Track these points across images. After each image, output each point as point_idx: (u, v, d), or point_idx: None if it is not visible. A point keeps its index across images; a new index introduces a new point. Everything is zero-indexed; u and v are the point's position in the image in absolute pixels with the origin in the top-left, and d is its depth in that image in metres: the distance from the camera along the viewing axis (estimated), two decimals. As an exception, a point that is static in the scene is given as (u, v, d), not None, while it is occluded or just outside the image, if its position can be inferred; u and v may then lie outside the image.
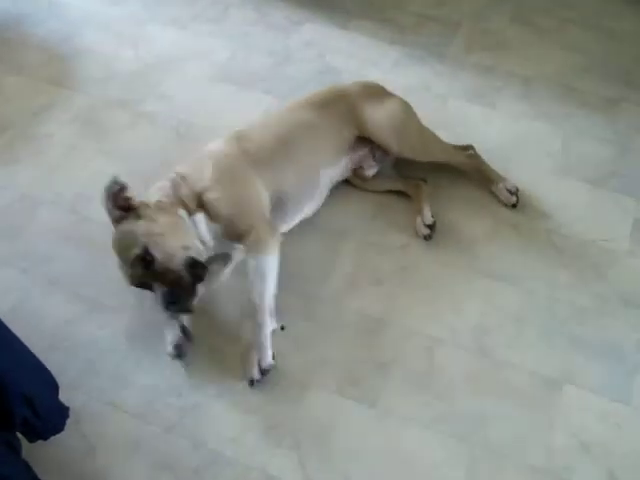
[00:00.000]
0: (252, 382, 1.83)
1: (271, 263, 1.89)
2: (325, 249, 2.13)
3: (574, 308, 2.00)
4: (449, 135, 2.35)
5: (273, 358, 1.84)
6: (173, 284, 1.72)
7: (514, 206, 2.21)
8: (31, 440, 1.56)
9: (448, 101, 2.63)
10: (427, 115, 2.32)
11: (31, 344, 1.54)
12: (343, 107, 2.18)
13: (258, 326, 1.85)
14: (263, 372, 1.83)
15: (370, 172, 2.28)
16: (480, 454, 1.73)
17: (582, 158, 2.41)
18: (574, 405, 1.81)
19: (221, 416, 1.79)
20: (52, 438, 1.58)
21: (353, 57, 2.79)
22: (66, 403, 1.61)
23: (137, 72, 2.77)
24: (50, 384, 1.54)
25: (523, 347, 1.92)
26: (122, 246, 1.78)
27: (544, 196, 2.28)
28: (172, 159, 2.37)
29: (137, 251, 1.72)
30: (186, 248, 1.78)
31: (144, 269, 1.72)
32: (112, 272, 2.05)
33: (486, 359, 1.90)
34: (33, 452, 1.62)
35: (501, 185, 2.24)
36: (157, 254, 1.72)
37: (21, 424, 1.46)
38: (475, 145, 2.35)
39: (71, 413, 1.62)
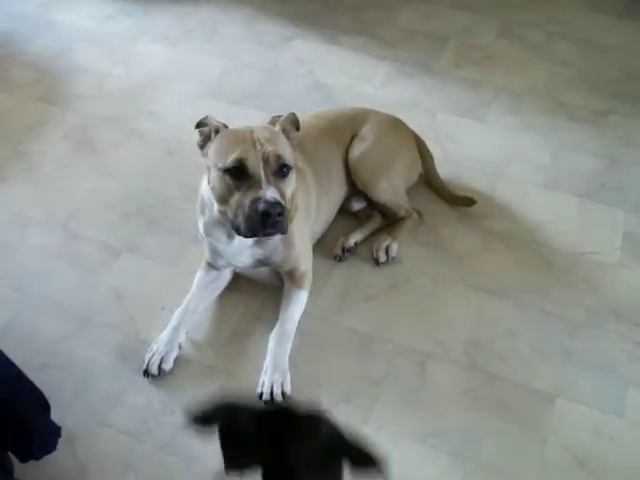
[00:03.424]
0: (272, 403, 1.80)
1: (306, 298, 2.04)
2: (315, 266, 2.13)
3: (565, 321, 2.01)
4: (439, 149, 2.37)
5: None
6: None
7: (376, 263, 2.16)
8: (23, 460, 1.55)
9: (437, 115, 2.65)
10: (417, 130, 2.34)
11: (22, 362, 1.53)
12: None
13: (285, 351, 1.90)
14: (284, 395, 1.83)
15: (357, 206, 2.31)
16: (473, 469, 1.72)
17: (571, 171, 2.42)
18: (567, 419, 1.81)
19: (214, 434, 1.78)
20: (44, 458, 1.57)
21: (343, 73, 2.81)
22: (58, 422, 1.60)
23: (128, 89, 2.78)
24: (42, 404, 1.54)
25: (515, 361, 1.93)
26: None
27: (534, 209, 2.29)
28: (163, 177, 2.39)
29: None
30: None
31: None
32: (104, 290, 2.07)
33: (478, 374, 1.90)
34: (25, 472, 1.60)
35: (390, 242, 2.18)
36: None
37: (13, 444, 1.46)
38: (465, 159, 2.36)
39: (63, 432, 1.61)
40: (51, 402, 1.59)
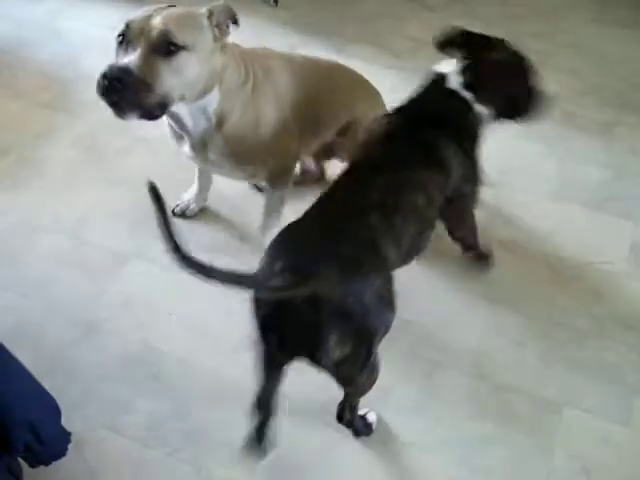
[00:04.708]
0: None
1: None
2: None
3: (572, 331, 2.01)
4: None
5: None
6: None
7: None
8: (32, 465, 1.56)
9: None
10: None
11: (31, 368, 1.54)
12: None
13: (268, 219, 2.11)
14: None
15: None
16: (481, 478, 1.73)
17: (578, 181, 2.43)
18: (574, 428, 1.82)
19: (224, 440, 1.78)
20: (53, 463, 1.58)
21: None
22: (67, 427, 1.60)
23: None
24: (53, 409, 1.54)
25: (522, 370, 1.93)
26: None
27: (541, 219, 2.30)
28: (171, 184, 2.38)
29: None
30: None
31: None
32: (112, 296, 2.08)
33: (485, 382, 1.90)
34: (34, 477, 1.61)
35: None
36: None
37: (23, 450, 1.46)
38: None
39: (72, 438, 1.61)
40: (60, 407, 1.59)
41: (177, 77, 1.66)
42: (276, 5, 3.28)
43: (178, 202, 2.32)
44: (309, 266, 1.36)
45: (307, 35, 3.08)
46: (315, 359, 1.43)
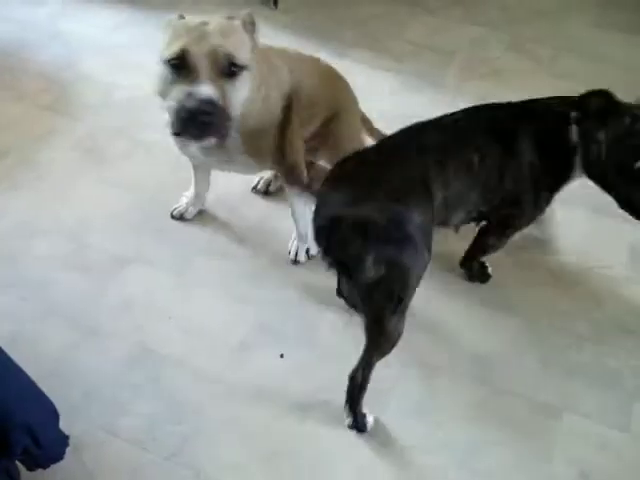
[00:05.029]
0: (296, 261, 2.19)
1: None
2: (324, 276, 2.14)
3: (572, 335, 2.01)
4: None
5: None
6: None
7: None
8: (30, 469, 1.55)
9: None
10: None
11: (29, 371, 1.53)
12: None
13: (305, 223, 2.10)
14: (309, 256, 2.18)
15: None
16: (480, 482, 1.73)
17: (579, 186, 2.41)
18: (573, 433, 1.81)
19: (222, 443, 1.78)
20: (51, 466, 1.57)
21: (352, 86, 2.81)
22: (65, 431, 1.59)
23: (136, 99, 2.79)
24: (51, 413, 1.54)
25: (522, 375, 1.93)
26: None
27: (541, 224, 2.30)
28: (170, 187, 2.39)
29: None
30: None
31: None
32: (111, 299, 2.07)
33: (485, 386, 1.90)
34: (32, 480, 1.61)
35: None
36: None
37: (21, 453, 1.45)
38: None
39: (70, 441, 1.60)
40: (58, 410, 1.59)
41: (241, 96, 1.70)
42: (275, 8, 3.28)
43: (176, 205, 2.32)
44: (363, 191, 1.60)
45: (306, 38, 3.08)
46: (353, 272, 1.60)
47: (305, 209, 2.12)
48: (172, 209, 2.31)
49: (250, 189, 2.42)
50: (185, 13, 2.99)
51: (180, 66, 1.61)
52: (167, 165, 2.49)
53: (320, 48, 3.00)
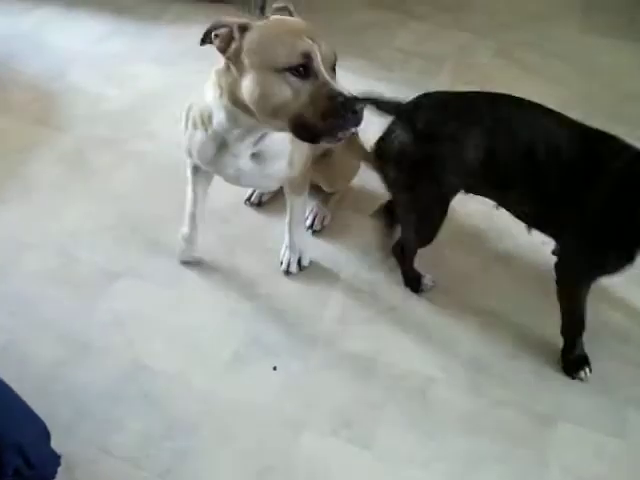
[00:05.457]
0: (288, 272, 2.18)
1: None
2: (316, 287, 2.13)
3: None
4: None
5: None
6: None
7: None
8: (22, 489, 1.54)
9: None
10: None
11: (19, 389, 1.51)
12: None
13: (299, 235, 2.17)
14: (301, 267, 2.19)
15: None
16: (477, 493, 1.72)
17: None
18: (568, 441, 1.81)
19: (216, 460, 1.76)
20: (43, 487, 1.56)
21: None
22: (57, 449, 1.57)
23: (124, 110, 2.77)
24: (42, 432, 1.52)
25: (516, 384, 1.92)
26: None
27: (535, 233, 2.29)
28: (159, 199, 2.37)
29: None
30: None
31: None
32: (102, 314, 2.05)
33: (479, 397, 1.89)
34: (24, 501, 1.59)
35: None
36: None
37: (12, 474, 1.43)
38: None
39: (62, 460, 1.58)
40: (49, 428, 1.56)
41: None
42: (263, 15, 3.27)
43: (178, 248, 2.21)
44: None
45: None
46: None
47: (303, 215, 2.16)
48: (177, 257, 2.21)
49: (242, 201, 2.40)
50: (170, 24, 3.00)
51: (303, 71, 1.53)
52: (156, 176, 2.48)
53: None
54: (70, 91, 2.88)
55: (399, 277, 2.16)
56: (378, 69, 2.96)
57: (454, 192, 1.90)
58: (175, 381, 1.91)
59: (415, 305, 2.10)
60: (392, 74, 2.94)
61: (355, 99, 1.55)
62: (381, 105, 1.83)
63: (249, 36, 1.56)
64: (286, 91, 1.53)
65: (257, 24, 1.59)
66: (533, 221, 1.93)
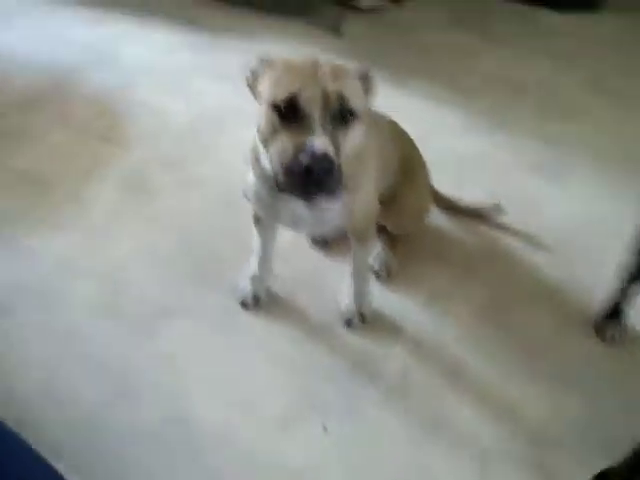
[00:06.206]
0: (349, 324, 2.03)
1: None
2: (378, 341, 2.00)
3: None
4: (508, 209, 2.24)
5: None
6: None
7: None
8: None
9: (511, 172, 2.48)
10: (486, 186, 2.20)
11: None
12: None
13: (363, 285, 2.03)
14: (364, 321, 2.04)
15: None
16: None
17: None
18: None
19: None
20: None
21: (411, 119, 2.58)
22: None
23: (189, 130, 2.69)
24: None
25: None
26: None
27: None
28: (221, 232, 2.26)
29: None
30: None
31: None
32: (148, 354, 1.95)
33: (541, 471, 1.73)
34: None
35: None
36: None
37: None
38: (535, 224, 2.25)
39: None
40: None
41: (351, 149, 1.50)
42: (340, 36, 3.14)
43: (240, 292, 2.09)
44: None
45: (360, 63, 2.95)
46: None
47: (367, 265, 2.06)
48: (238, 297, 2.09)
49: (306, 240, 2.29)
50: (242, 37, 2.89)
51: (289, 111, 1.42)
52: (218, 205, 2.37)
53: (380, 76, 2.85)
54: (135, 105, 2.82)
55: (469, 331, 2.02)
56: (453, 95, 2.84)
57: None
58: (219, 433, 1.79)
59: (474, 364, 1.96)
60: (469, 101, 2.81)
61: (329, 164, 1.37)
62: None
63: (268, 71, 1.52)
64: (268, 127, 1.47)
65: (281, 60, 1.53)
66: None
